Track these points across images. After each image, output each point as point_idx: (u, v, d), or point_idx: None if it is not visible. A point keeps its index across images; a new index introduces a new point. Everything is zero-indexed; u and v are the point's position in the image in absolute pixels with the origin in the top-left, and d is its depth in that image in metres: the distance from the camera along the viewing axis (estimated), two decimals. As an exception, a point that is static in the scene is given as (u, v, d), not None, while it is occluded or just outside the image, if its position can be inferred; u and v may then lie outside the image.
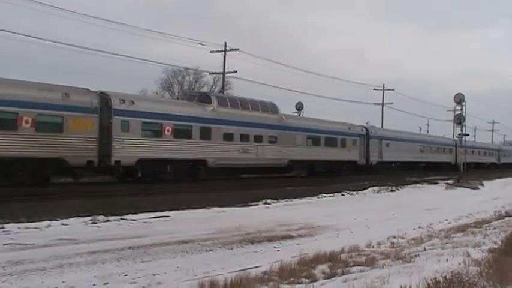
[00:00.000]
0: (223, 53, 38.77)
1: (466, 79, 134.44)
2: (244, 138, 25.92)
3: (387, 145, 40.04)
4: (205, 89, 51.21)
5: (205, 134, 23.74)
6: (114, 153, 19.62)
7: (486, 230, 11.52)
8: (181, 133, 22.69)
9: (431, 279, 5.54)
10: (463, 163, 34.56)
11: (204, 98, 25.41)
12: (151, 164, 21.15)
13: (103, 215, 12.32)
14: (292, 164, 29.26)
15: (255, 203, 17.14)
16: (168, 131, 21.99)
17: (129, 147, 20.19)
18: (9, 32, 26.86)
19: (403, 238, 10.56)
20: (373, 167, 37.80)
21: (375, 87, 57.34)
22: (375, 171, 36.58)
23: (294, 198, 19.09)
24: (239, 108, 26.27)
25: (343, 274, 6.82)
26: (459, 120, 34.38)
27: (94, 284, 6.71)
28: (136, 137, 20.64)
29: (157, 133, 21.76)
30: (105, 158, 19.49)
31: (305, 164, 30.70)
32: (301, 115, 40.65)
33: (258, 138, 26.82)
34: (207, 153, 23.62)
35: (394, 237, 10.44)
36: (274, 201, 17.81)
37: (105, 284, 6.74)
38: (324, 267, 7.32)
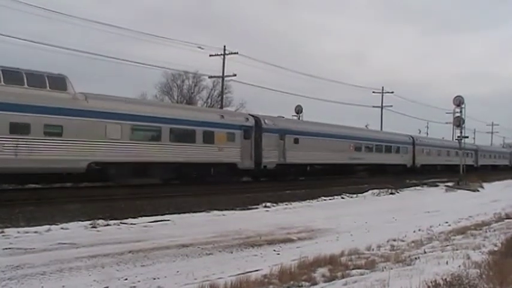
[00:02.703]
0: (222, 56, 38.91)
1: (466, 81, 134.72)
2: None
3: (296, 141, 29.43)
4: (204, 93, 51.04)
5: None
6: None
7: (486, 232, 11.53)
8: None
9: (431, 282, 5.55)
10: (462, 165, 34.50)
11: None
12: None
13: (103, 219, 12.31)
14: (101, 167, 19.40)
15: (255, 206, 17.13)
16: None
17: None
18: (10, 37, 26.87)
19: (403, 241, 10.56)
20: (271, 171, 27.84)
21: (374, 90, 57.45)
22: (278, 177, 27.76)
23: (294, 201, 19.05)
24: None
25: (343, 277, 6.82)
26: (458, 122, 34.41)
27: (94, 288, 6.71)
28: None
29: None
30: None
31: (128, 167, 20.42)
32: (300, 118, 40.50)
33: (19, 129, 17.04)
34: None
35: (394, 240, 10.43)
36: (274, 204, 17.79)
37: (105, 288, 6.74)
38: (324, 270, 7.32)
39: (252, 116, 27.91)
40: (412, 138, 46.59)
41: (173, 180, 23.13)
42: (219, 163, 24.58)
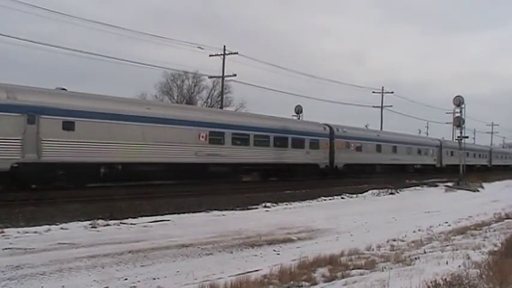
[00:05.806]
0: (222, 56, 38.87)
1: (466, 81, 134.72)
2: None
3: (67, 127, 18.28)
4: (204, 93, 51.10)
5: None
6: None
7: (486, 232, 11.52)
8: None
9: (431, 282, 5.54)
10: (462, 165, 34.49)
11: None
12: None
13: (102, 219, 12.31)
14: None
15: (255, 207, 17.13)
16: None
17: None
18: (10, 37, 26.86)
19: (403, 241, 10.56)
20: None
21: (374, 90, 57.31)
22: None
23: (294, 201, 19.07)
24: None
25: (343, 277, 6.81)
26: (458, 122, 34.41)
27: (94, 289, 6.70)
28: None
29: None
30: None
31: None
32: (300, 118, 40.41)
33: None
34: None
35: (394, 240, 10.43)
36: (274, 204, 17.80)
37: (104, 288, 6.73)
38: (324, 270, 7.31)
39: None
40: (330, 128, 33.10)
41: None
42: None
